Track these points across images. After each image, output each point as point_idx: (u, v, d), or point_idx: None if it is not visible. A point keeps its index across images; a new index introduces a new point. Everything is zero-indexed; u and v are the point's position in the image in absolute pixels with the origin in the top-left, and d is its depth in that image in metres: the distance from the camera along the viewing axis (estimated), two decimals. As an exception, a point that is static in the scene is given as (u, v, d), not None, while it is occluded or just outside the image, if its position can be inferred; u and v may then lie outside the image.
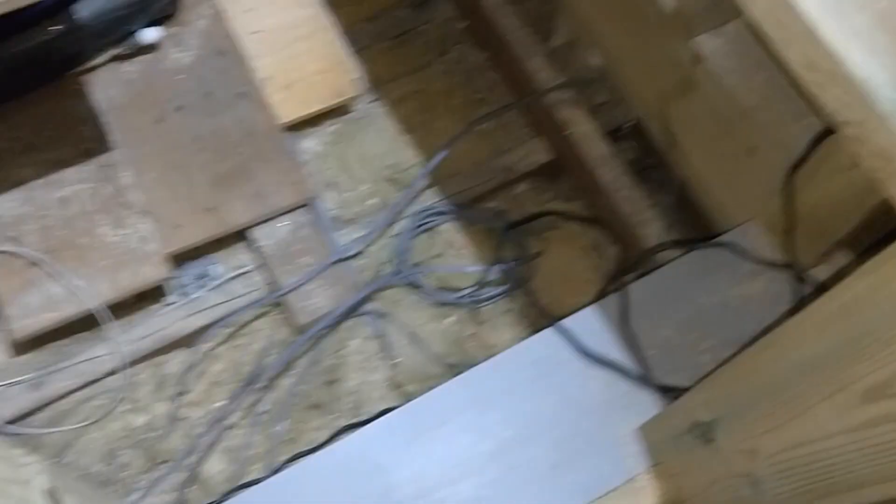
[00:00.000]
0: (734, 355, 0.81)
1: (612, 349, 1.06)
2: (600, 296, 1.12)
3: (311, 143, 1.37)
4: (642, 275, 1.12)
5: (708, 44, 1.05)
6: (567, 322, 1.08)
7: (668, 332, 1.08)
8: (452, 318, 1.30)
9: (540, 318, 1.23)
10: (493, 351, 1.13)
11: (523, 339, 1.11)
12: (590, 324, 1.08)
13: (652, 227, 1.23)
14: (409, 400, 1.05)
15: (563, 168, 1.35)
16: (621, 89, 1.29)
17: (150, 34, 1.28)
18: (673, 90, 1.14)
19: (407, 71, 1.44)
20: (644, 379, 1.04)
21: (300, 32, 1.35)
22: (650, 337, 1.07)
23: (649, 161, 1.31)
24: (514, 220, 1.33)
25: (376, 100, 1.42)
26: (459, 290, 1.30)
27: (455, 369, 1.17)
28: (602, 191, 1.27)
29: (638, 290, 1.10)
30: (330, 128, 1.39)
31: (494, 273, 1.30)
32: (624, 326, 1.08)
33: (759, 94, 1.03)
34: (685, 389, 0.93)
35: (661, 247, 1.17)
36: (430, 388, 1.05)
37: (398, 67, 1.44)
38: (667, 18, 1.06)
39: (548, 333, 1.07)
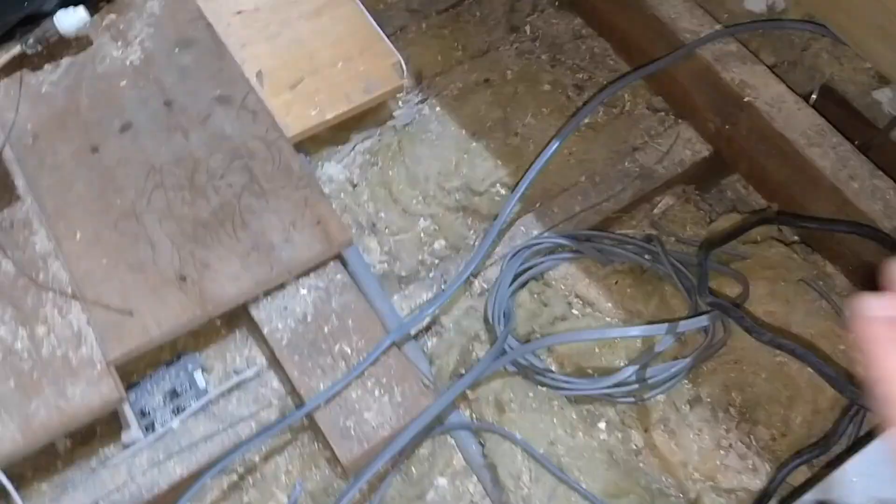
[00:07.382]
0: None
1: None
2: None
3: (335, 167, 1.04)
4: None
5: None
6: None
7: None
8: (602, 425, 0.86)
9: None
10: (685, 472, 0.80)
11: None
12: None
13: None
14: None
15: (730, 164, 1.01)
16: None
17: (69, 20, 0.93)
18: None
19: (466, 55, 1.12)
20: None
21: (306, 8, 1.05)
22: None
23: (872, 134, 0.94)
24: (711, 241, 0.91)
25: (425, 98, 1.09)
26: (605, 372, 0.87)
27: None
28: (820, 187, 0.89)
29: None
30: (363, 143, 1.05)
31: (665, 336, 0.86)
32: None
33: None
34: None
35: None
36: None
37: (452, 51, 1.13)
38: None
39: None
